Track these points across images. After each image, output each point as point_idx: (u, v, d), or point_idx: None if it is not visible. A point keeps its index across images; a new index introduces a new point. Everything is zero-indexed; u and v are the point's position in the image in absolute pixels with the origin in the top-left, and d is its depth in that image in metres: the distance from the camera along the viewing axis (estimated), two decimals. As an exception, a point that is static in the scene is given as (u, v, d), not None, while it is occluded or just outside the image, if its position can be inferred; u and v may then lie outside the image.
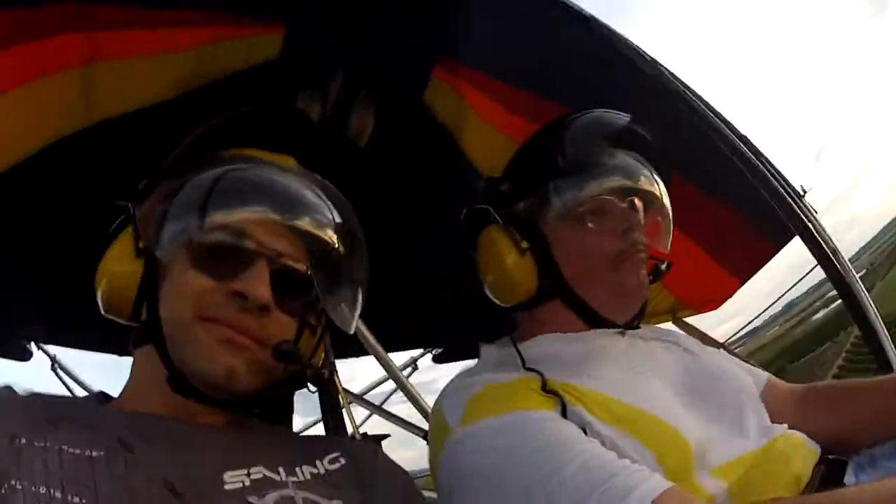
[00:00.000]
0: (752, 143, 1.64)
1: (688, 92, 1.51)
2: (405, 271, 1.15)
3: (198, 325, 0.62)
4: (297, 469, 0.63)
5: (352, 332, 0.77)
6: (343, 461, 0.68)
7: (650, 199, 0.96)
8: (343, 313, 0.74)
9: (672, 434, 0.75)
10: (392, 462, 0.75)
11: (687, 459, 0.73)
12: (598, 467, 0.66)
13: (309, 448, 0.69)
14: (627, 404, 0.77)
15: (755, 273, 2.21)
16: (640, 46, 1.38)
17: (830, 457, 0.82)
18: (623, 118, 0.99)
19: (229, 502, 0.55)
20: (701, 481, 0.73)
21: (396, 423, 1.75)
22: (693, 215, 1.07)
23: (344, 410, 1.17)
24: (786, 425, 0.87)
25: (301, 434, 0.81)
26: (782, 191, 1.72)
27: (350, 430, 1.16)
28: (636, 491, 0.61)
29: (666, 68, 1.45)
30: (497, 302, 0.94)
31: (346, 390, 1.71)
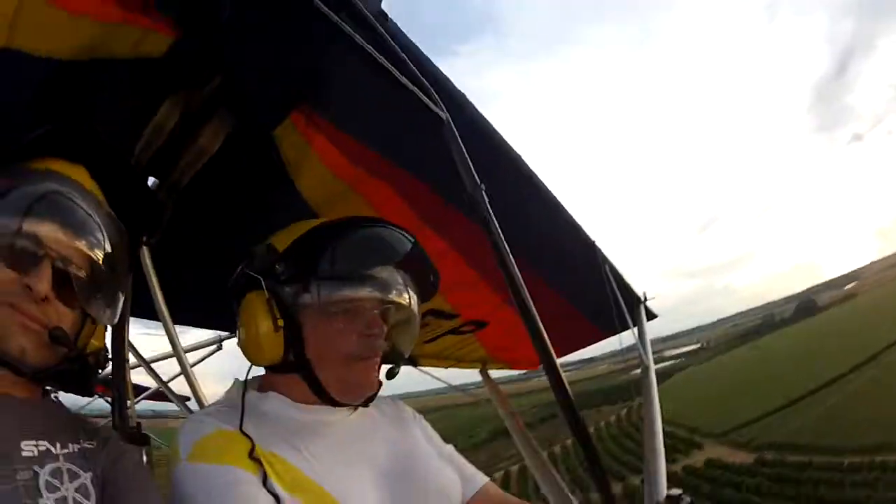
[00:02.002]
0: (600, 252, 1.88)
1: (549, 194, 1.68)
2: (223, 267, 1.21)
3: (2, 310, 0.78)
4: (69, 444, 0.81)
5: (110, 324, 0.95)
6: (95, 442, 0.86)
7: (399, 309, 1.10)
8: (100, 309, 0.91)
9: None
10: (124, 447, 0.92)
11: None
12: None
13: (76, 426, 0.87)
14: (322, 488, 0.92)
15: (577, 350, 2.54)
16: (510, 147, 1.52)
17: None
18: (404, 240, 1.10)
19: (22, 466, 0.73)
20: None
21: (176, 403, 1.78)
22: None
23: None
24: None
25: (74, 412, 0.97)
26: (619, 294, 2.02)
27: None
28: None
29: (528, 167, 1.59)
30: (245, 356, 1.06)
31: (140, 357, 1.83)
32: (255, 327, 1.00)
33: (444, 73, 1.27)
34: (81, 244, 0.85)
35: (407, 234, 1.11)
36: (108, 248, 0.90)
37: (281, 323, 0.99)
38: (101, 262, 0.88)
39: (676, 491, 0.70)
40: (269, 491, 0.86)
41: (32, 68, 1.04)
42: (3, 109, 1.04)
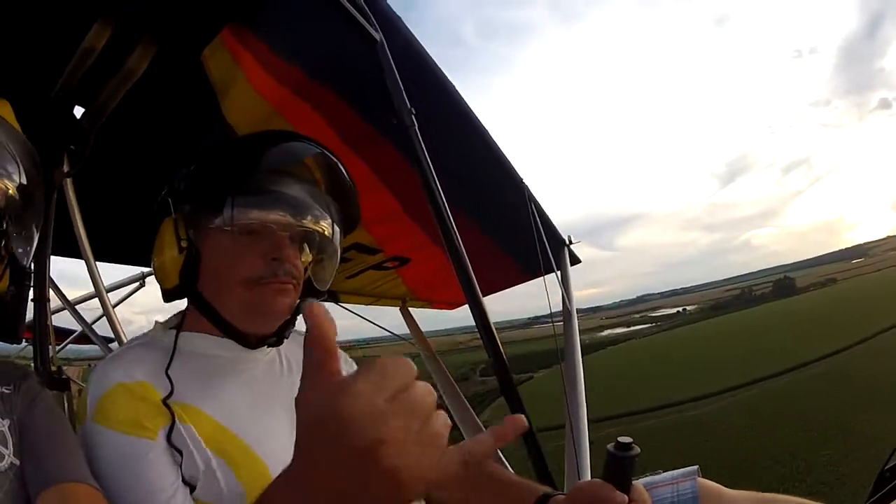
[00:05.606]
0: (528, 191, 1.90)
1: (480, 128, 1.67)
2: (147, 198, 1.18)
3: None
4: None
5: (25, 265, 0.87)
6: (11, 388, 0.85)
7: (311, 237, 1.03)
8: (20, 248, 0.87)
9: (261, 468, 0.89)
10: (38, 389, 0.91)
11: None
12: None
13: None
14: (232, 433, 0.91)
15: (499, 290, 2.61)
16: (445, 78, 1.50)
17: None
18: (313, 152, 1.04)
19: None
20: None
21: (99, 346, 1.72)
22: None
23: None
24: None
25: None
26: (546, 239, 2.05)
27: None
28: None
29: (466, 106, 1.58)
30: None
31: (63, 296, 1.84)
32: (160, 252, 0.97)
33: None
34: (4, 182, 0.81)
35: (322, 148, 1.04)
36: (25, 181, 0.84)
37: (185, 244, 0.96)
38: (18, 196, 0.83)
39: (627, 439, 0.71)
40: (172, 446, 0.85)
41: None
42: None
